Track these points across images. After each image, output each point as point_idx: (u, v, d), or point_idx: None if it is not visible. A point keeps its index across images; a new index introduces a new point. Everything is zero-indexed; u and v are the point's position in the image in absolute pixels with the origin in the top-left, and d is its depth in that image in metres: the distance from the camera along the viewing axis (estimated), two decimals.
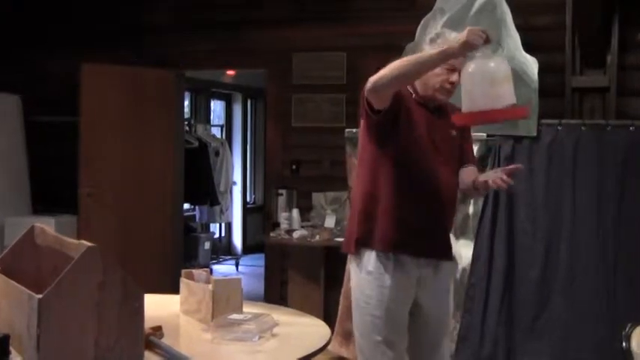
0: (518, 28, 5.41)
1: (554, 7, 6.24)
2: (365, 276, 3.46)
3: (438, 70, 3.35)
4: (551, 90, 5.88)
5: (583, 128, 5.37)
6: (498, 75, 3.02)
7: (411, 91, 3.48)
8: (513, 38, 5.38)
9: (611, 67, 6.13)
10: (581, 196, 5.30)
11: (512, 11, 5.39)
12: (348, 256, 3.65)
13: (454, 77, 3.38)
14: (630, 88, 6.14)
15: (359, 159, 3.61)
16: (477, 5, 5.34)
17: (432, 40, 3.42)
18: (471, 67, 3.06)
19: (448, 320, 3.69)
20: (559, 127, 5.37)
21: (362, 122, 3.52)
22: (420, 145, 3.41)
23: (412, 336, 3.53)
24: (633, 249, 5.22)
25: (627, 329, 3.02)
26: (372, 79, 3.23)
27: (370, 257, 3.45)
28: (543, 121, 5.36)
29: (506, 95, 3.01)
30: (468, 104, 3.09)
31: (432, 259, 3.50)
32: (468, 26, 3.11)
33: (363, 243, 3.47)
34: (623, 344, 2.97)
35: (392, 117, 3.36)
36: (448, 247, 3.59)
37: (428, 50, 3.29)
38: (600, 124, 5.43)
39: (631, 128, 5.29)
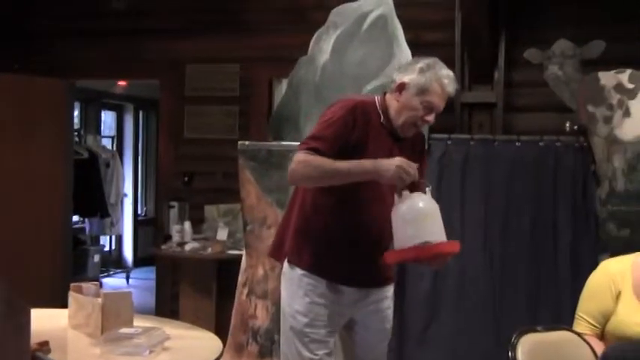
0: (410, 43, 5.50)
1: (444, 24, 6.38)
2: (295, 289, 3.31)
3: (416, 103, 3.25)
4: None
5: (472, 143, 5.49)
6: (409, 216, 3.07)
7: (380, 112, 3.32)
8: (405, 53, 5.47)
9: (498, 83, 6.30)
10: (469, 209, 5.42)
11: (403, 27, 5.47)
12: (284, 265, 3.45)
13: (430, 117, 3.29)
14: (516, 104, 6.32)
15: None
16: (369, 21, 5.41)
17: (422, 70, 3.29)
18: (394, 210, 3.13)
19: (388, 330, 3.51)
20: (448, 142, 5.48)
21: None
22: None
23: (351, 350, 3.44)
24: (518, 261, 5.35)
25: (513, 339, 3.09)
26: (290, 170, 3.15)
27: (303, 274, 3.30)
28: (433, 135, 5.46)
29: (418, 234, 3.05)
30: (394, 242, 3.16)
31: (365, 288, 3.37)
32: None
33: (294, 262, 3.33)
34: (509, 354, 3.04)
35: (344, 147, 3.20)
36: (384, 276, 3.43)
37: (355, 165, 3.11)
38: (488, 139, 5.56)
39: (517, 143, 5.43)
